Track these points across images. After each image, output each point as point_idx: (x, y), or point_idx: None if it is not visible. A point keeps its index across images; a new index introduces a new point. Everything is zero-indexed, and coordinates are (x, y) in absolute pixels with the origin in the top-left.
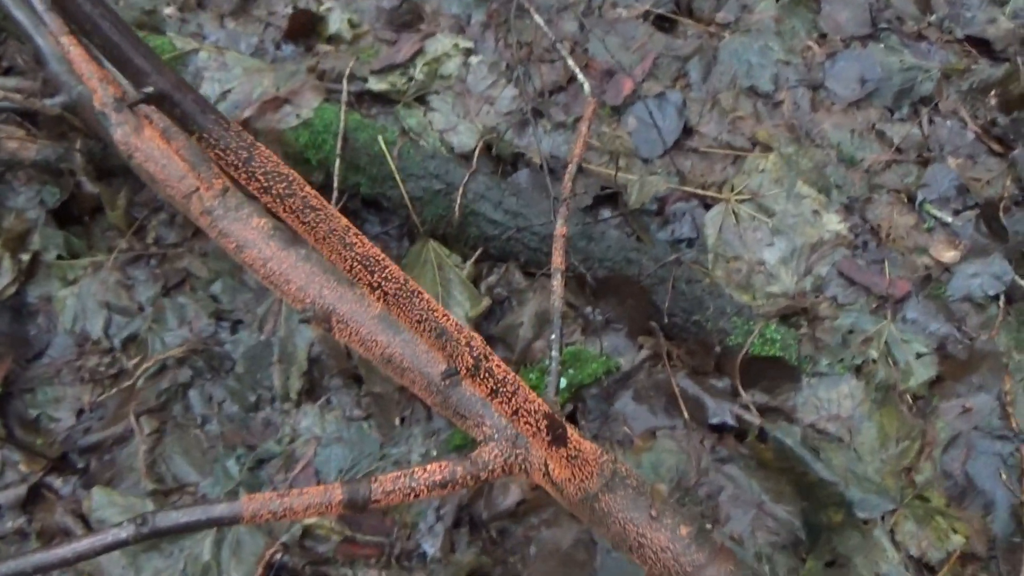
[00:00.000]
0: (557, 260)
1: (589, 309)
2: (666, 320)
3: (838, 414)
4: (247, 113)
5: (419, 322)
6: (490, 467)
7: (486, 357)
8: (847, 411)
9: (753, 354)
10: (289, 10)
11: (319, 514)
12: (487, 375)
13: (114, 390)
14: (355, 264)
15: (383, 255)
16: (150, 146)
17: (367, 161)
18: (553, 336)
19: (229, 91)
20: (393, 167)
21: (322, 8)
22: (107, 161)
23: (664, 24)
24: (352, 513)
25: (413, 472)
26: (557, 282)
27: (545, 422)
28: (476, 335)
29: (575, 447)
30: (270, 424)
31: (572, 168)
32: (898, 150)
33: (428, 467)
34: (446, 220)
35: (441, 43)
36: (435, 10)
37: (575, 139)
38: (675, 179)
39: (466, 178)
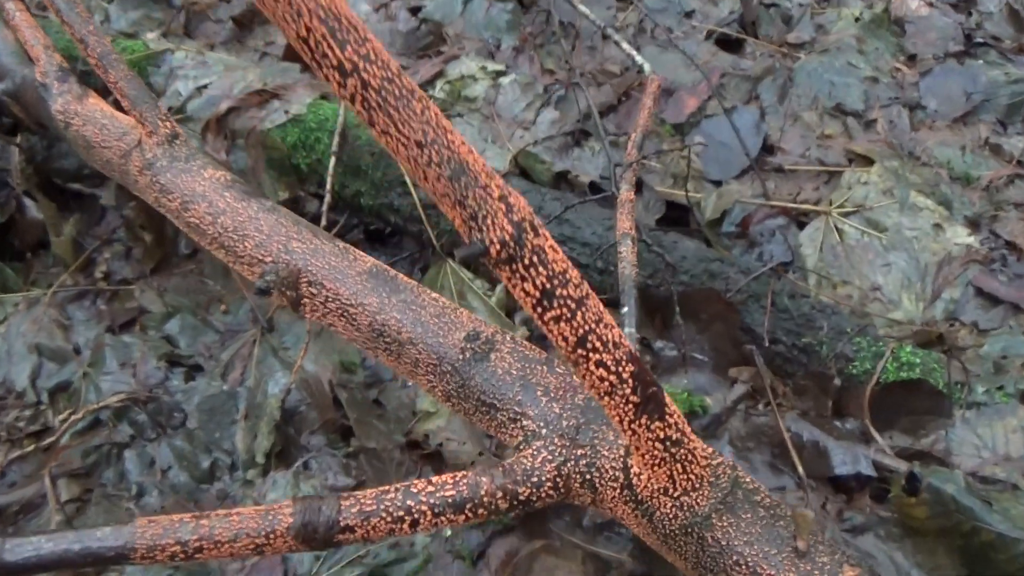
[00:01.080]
0: (624, 225)
1: (662, 343)
2: (766, 345)
3: (1007, 454)
4: (225, 105)
5: (419, 147)
6: (536, 479)
7: (533, 228)
8: (1019, 449)
9: (886, 382)
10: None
11: (256, 550)
12: (535, 261)
13: (32, 447)
14: (312, 26)
15: (359, 20)
16: (91, 110)
17: (370, 163)
18: (625, 309)
19: (205, 86)
20: (403, 167)
21: None
22: (52, 164)
23: (728, 45)
24: (308, 548)
25: (410, 486)
26: (627, 248)
27: (631, 368)
28: (517, 193)
29: (677, 426)
30: (227, 497)
31: (637, 136)
32: (1019, 163)
33: (436, 479)
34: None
35: (466, 65)
36: (459, 33)
37: (638, 113)
38: (758, 199)
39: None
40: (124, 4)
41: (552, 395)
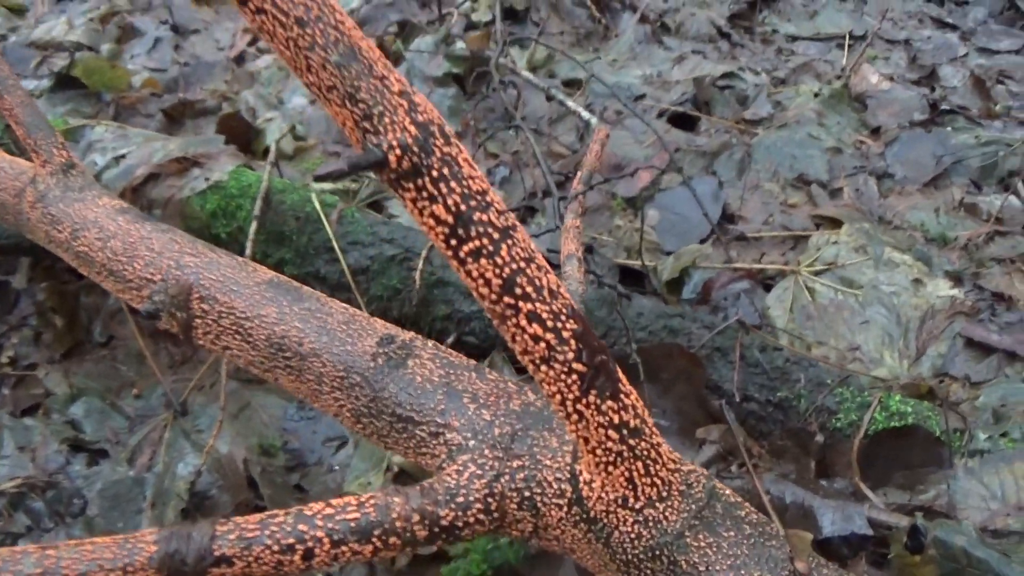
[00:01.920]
0: (570, 247)
1: None
2: (737, 402)
3: (1019, 502)
4: (141, 173)
5: (300, 25)
6: (461, 499)
7: (443, 134)
8: None
9: (875, 433)
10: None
11: None
12: (445, 175)
13: None
14: None
15: None
16: None
17: (295, 228)
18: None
19: (123, 156)
20: (331, 231)
21: (259, 121)
22: None
23: (682, 123)
24: None
25: (304, 508)
26: (572, 267)
27: (572, 326)
28: (423, 96)
29: (634, 410)
30: None
31: (584, 172)
32: (998, 220)
33: (337, 500)
34: (402, 297)
35: None
36: None
37: (584, 156)
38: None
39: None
40: (52, 98)
41: (482, 401)
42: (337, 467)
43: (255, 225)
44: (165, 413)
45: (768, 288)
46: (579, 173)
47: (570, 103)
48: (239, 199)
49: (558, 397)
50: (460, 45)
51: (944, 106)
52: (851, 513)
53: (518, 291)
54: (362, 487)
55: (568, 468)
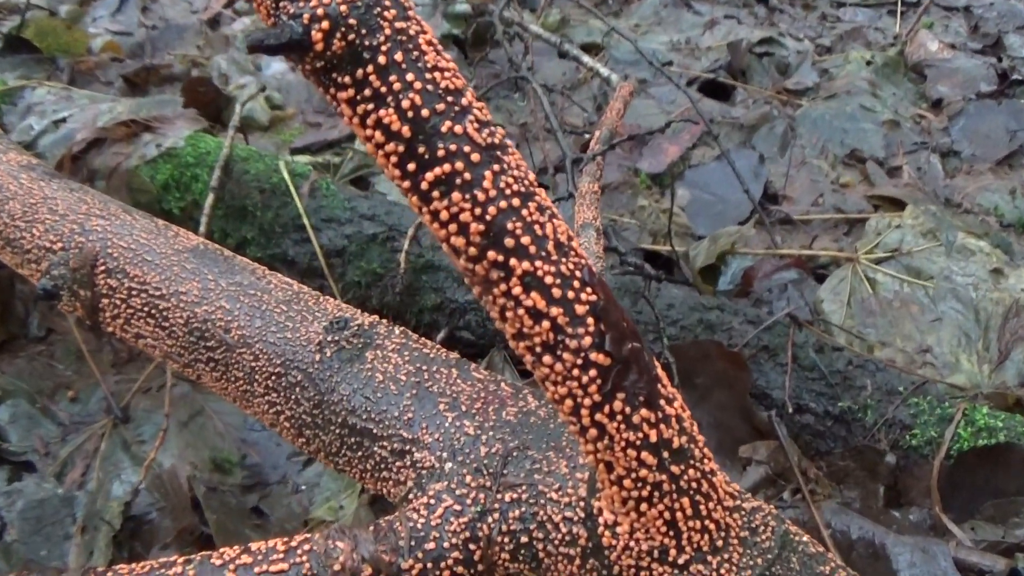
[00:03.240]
0: (586, 214)
1: None
2: (789, 413)
3: None
4: (83, 138)
5: None
6: (433, 545)
7: (395, 3)
8: None
9: (959, 453)
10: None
11: None
12: (397, 62)
13: None
14: None
15: None
16: None
17: (259, 202)
18: None
19: (64, 120)
20: (301, 206)
21: (231, 87)
22: None
23: (715, 93)
24: None
25: (211, 557)
26: (589, 239)
27: (591, 296)
28: None
29: (679, 422)
30: None
31: (603, 132)
32: None
33: (259, 545)
34: (384, 283)
35: None
36: None
37: (606, 112)
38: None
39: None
40: (1, 64)
41: (464, 409)
42: (304, 487)
43: (212, 198)
44: (103, 419)
45: (820, 278)
46: (597, 132)
47: (586, 59)
48: (195, 168)
49: (569, 403)
50: (461, 3)
51: (1015, 76)
52: (933, 552)
53: (508, 242)
54: (332, 512)
55: (582, 504)
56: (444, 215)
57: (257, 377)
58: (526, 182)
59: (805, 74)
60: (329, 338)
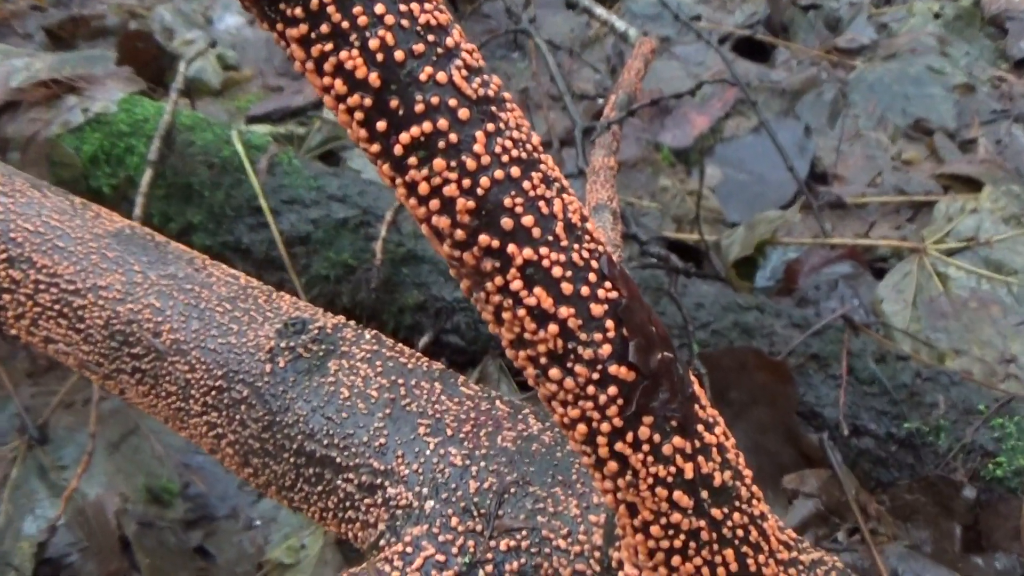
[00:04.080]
0: (600, 194)
1: None
2: (844, 435)
3: None
4: None
5: None
6: None
7: None
8: None
9: None
10: None
11: None
12: None
13: None
14: None
15: None
16: None
17: (207, 180)
18: None
19: None
20: (257, 185)
21: (177, 42)
22: None
23: (751, 52)
24: None
25: None
26: (606, 222)
27: (611, 293)
28: None
29: (720, 452)
30: None
31: (619, 96)
32: None
33: None
34: (357, 278)
35: None
36: None
37: (622, 73)
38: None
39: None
40: None
41: (450, 433)
42: (259, 522)
43: (150, 175)
44: (15, 440)
45: (879, 273)
46: (612, 96)
47: (599, 10)
48: (130, 139)
49: (583, 428)
50: None
51: None
52: None
53: (506, 223)
54: (292, 553)
55: (597, 555)
56: (424, 188)
57: (193, 392)
58: (528, 146)
59: (860, 29)
60: (283, 344)
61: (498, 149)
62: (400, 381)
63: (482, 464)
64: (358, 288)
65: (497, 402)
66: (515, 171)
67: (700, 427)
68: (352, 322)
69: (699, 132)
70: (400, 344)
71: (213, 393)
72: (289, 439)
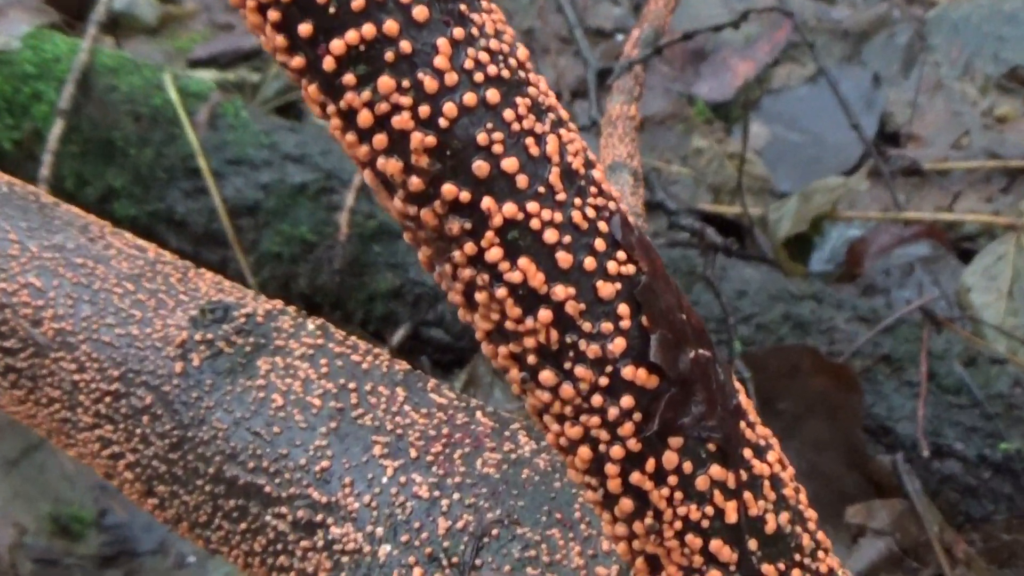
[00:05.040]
0: (618, 150)
1: None
2: (924, 457)
3: None
4: None
5: None
6: None
7: None
8: None
9: None
10: None
11: None
12: None
13: None
14: None
15: None
16: None
17: (133, 135)
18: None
19: None
20: (196, 142)
21: None
22: None
23: None
24: None
25: None
26: (624, 184)
27: (624, 267)
28: None
29: (779, 503)
30: None
31: (644, 30)
32: None
33: None
34: (318, 256)
35: None
36: None
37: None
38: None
39: None
40: None
41: (414, 455)
42: (192, 558)
43: (60, 127)
44: None
45: (966, 256)
46: (635, 32)
47: None
48: (37, 82)
49: (586, 452)
50: None
51: None
52: None
53: (479, 167)
54: None
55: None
56: (365, 118)
57: (82, 399)
58: (511, 62)
59: None
60: (198, 336)
61: (468, 64)
62: (351, 386)
63: (455, 496)
64: (319, 269)
65: (478, 414)
66: (492, 95)
67: (748, 452)
68: (292, 308)
69: (742, 82)
70: (354, 338)
71: (108, 400)
72: (204, 461)
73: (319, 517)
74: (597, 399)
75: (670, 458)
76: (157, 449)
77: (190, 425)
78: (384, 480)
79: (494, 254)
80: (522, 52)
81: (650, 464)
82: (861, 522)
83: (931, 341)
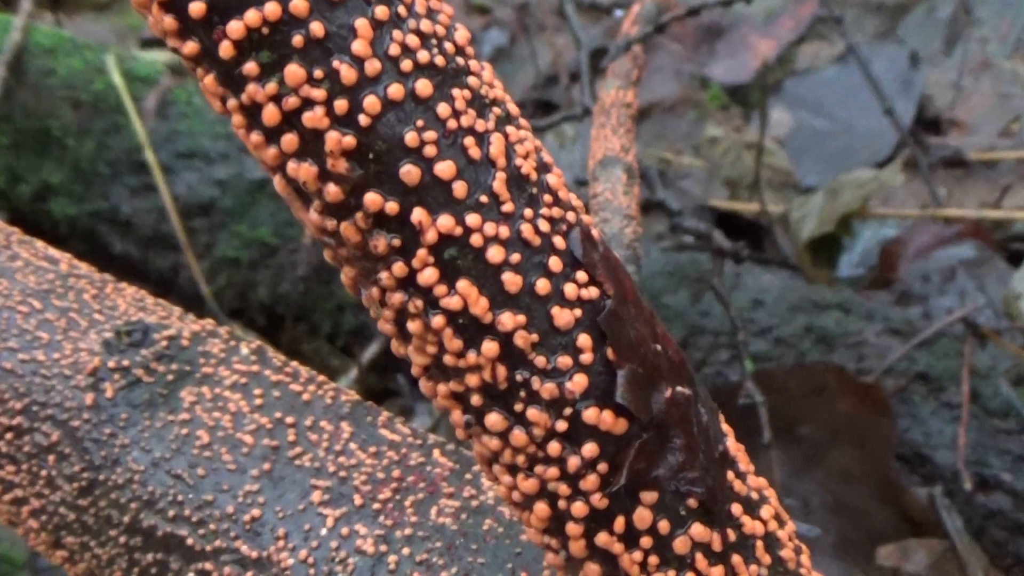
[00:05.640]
0: (611, 144)
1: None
2: (966, 490)
3: None
4: None
5: None
6: None
7: None
8: None
9: None
10: None
11: None
12: None
13: None
14: None
15: None
16: None
17: (72, 124)
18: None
19: None
20: (143, 132)
21: None
22: None
23: None
24: None
25: None
26: (614, 180)
27: (586, 291)
28: None
29: (775, 548)
30: None
31: (642, 5)
32: None
33: None
34: (280, 262)
35: None
36: None
37: None
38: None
39: None
40: None
41: (358, 503)
42: None
43: None
44: None
45: (1015, 259)
46: (635, 6)
47: None
48: None
49: (542, 509)
50: None
51: None
52: None
53: (408, 173)
54: None
55: None
56: (271, 114)
57: None
58: (447, 46)
59: None
60: (112, 363)
61: (394, 50)
62: (289, 420)
63: (405, 551)
64: (281, 276)
65: (435, 452)
66: (423, 86)
67: (736, 508)
68: (224, 329)
69: (762, 62)
70: (295, 364)
71: (8, 436)
72: (118, 508)
73: (248, 575)
74: (555, 447)
75: (643, 516)
76: (65, 494)
77: (102, 466)
78: (323, 532)
79: (428, 276)
80: (461, 35)
81: (619, 523)
82: (894, 565)
83: (975, 357)
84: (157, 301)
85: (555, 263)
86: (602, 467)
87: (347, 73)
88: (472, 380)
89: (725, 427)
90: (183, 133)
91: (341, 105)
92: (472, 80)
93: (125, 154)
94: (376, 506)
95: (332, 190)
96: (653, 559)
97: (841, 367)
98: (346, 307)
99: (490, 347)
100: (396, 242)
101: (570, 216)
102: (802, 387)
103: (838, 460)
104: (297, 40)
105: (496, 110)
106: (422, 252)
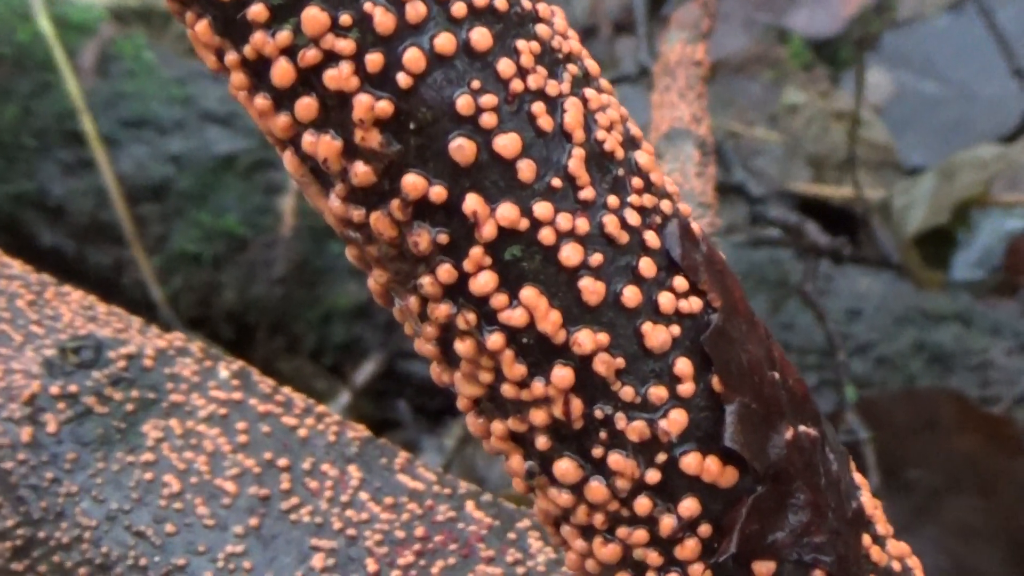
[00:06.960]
0: (681, 111)
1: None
2: None
3: None
4: None
5: None
6: None
7: None
8: None
9: None
10: None
11: None
12: None
13: None
14: None
15: None
16: None
17: None
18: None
19: None
20: (78, 94)
21: None
22: None
23: None
24: None
25: None
26: (684, 159)
27: (687, 304)
28: None
29: None
30: None
31: None
32: None
33: None
34: (250, 259)
35: None
36: None
37: None
38: None
39: None
40: None
41: (374, 568)
42: None
43: None
44: None
45: None
46: None
47: None
48: None
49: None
50: None
51: None
52: None
53: (460, 149)
54: None
55: None
56: (283, 73)
57: None
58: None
59: None
60: (55, 388)
61: None
62: (282, 462)
63: None
64: (253, 277)
65: (469, 505)
66: (479, 37)
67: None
68: (197, 345)
69: (854, 10)
70: (288, 390)
71: None
72: (63, 574)
73: None
74: (643, 503)
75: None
76: None
77: (42, 521)
78: None
79: (484, 282)
80: (561, 25)
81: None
82: None
83: None
84: (111, 309)
85: (647, 266)
86: (704, 530)
87: (382, 19)
88: (538, 417)
89: (858, 478)
90: (129, 96)
91: (374, 60)
92: (541, 29)
93: (56, 121)
94: (395, 573)
95: (361, 170)
96: None
97: (960, 394)
98: (334, 316)
99: (562, 374)
100: (443, 238)
101: (665, 205)
102: (911, 419)
103: (957, 511)
104: None
105: (572, 68)
106: (476, 251)
